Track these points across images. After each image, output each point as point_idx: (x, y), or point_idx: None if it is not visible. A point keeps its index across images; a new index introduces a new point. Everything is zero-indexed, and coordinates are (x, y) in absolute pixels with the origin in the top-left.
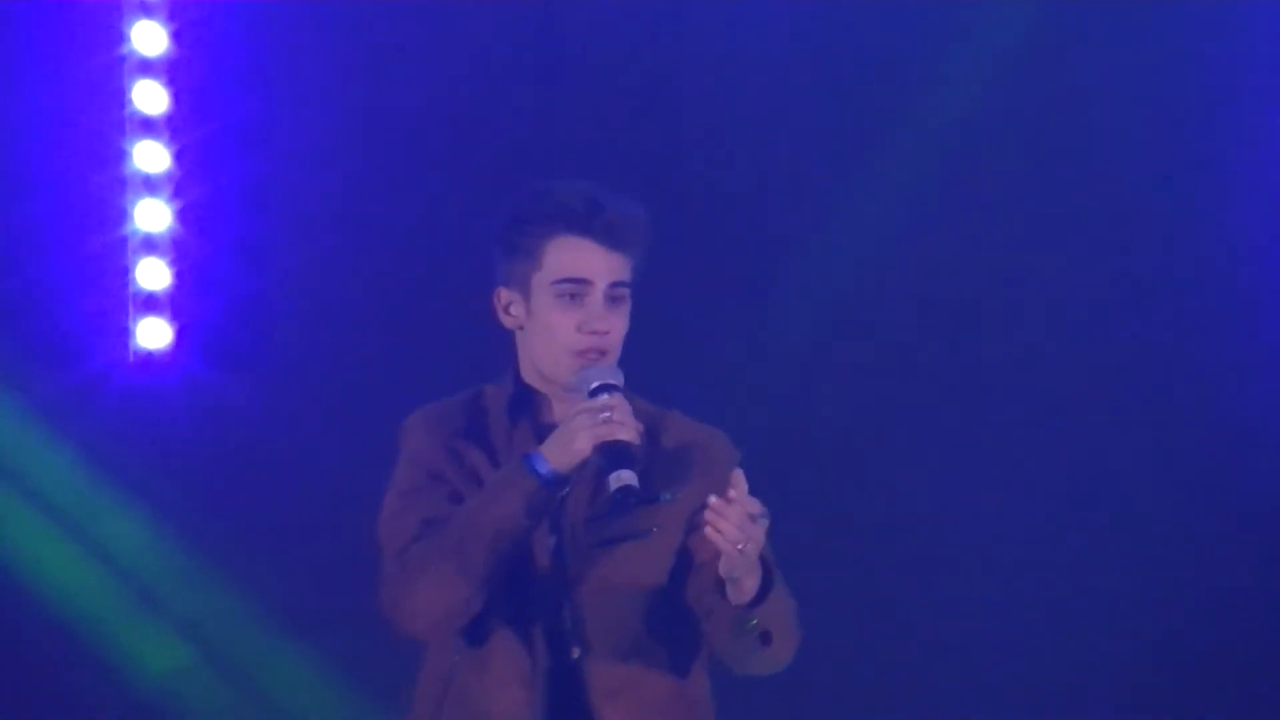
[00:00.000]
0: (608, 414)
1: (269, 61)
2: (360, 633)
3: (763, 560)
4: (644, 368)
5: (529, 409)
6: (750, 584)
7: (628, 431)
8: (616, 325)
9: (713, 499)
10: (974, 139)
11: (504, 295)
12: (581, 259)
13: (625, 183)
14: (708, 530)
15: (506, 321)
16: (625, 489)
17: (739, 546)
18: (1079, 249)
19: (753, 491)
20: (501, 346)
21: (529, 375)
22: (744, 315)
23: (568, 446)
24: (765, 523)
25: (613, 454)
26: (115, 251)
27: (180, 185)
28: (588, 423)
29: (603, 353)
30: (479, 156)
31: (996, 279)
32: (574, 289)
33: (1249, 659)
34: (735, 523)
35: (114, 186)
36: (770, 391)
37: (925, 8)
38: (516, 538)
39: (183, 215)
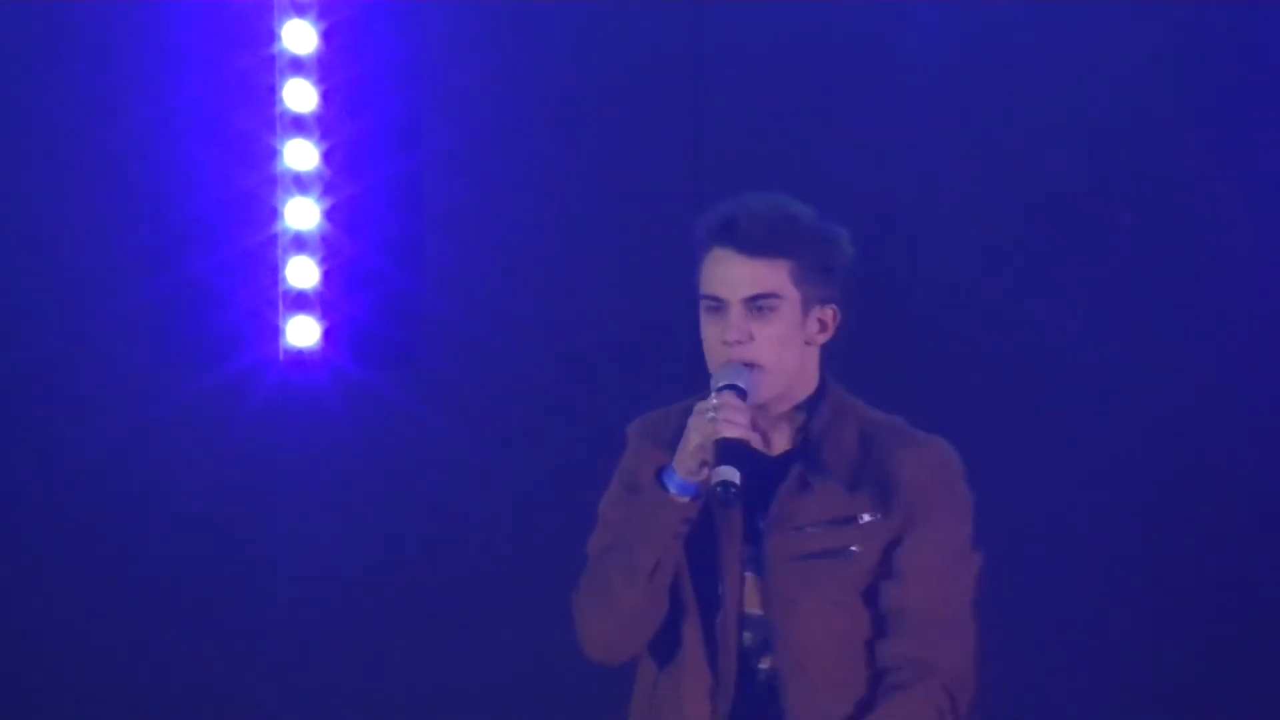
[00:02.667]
0: (714, 412)
1: (418, 59)
2: (512, 627)
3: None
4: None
5: None
6: None
7: (735, 428)
8: (761, 334)
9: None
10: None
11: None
12: (717, 273)
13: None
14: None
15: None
16: (724, 484)
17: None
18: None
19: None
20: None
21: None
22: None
23: (685, 450)
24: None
25: (721, 451)
26: (266, 250)
27: (330, 184)
28: (698, 423)
29: (748, 364)
30: (628, 154)
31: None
32: (713, 303)
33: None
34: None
35: (265, 185)
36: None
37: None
38: (666, 556)
39: (332, 214)
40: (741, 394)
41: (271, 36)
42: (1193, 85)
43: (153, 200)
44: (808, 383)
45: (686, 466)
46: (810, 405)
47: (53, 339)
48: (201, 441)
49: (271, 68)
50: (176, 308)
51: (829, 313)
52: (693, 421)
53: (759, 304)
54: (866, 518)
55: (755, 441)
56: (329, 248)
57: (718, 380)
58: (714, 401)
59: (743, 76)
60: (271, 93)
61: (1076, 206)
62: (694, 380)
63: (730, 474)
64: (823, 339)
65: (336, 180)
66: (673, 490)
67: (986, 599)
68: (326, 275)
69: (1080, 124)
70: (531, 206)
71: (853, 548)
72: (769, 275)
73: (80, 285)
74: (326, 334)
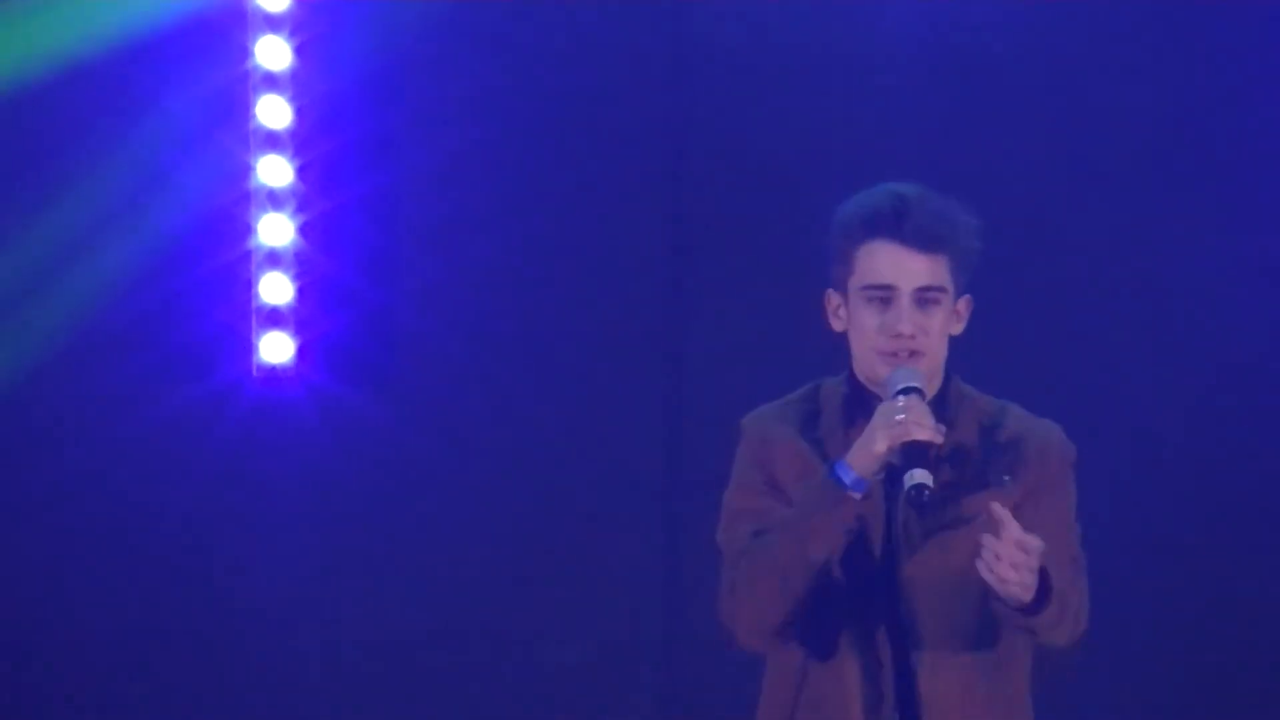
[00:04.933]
0: (902, 415)
1: (392, 75)
2: (489, 638)
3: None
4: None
5: (863, 408)
6: (1024, 595)
7: (924, 431)
8: (927, 327)
9: (985, 536)
10: None
11: (832, 298)
12: (887, 264)
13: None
14: (978, 563)
15: (834, 324)
16: (918, 487)
17: (1006, 581)
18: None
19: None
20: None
21: (863, 379)
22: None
23: (868, 450)
24: (1037, 556)
25: (909, 454)
26: (240, 266)
27: (304, 200)
28: (884, 425)
29: (912, 354)
30: (604, 167)
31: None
32: (880, 294)
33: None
34: (1008, 559)
35: (239, 201)
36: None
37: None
38: (832, 547)
39: (306, 230)
40: (921, 395)
41: (245, 53)
42: (1189, 85)
43: (127, 216)
44: (939, 377)
45: (867, 467)
46: (940, 399)
47: (27, 356)
48: (176, 457)
49: (245, 84)
50: (151, 324)
51: (965, 302)
52: (878, 424)
53: (927, 295)
54: (1006, 478)
55: (939, 443)
56: (303, 264)
57: (894, 383)
58: (900, 404)
59: (724, 88)
60: (245, 109)
61: (1071, 208)
62: (671, 388)
63: (924, 477)
64: (958, 329)
65: (310, 197)
66: (849, 486)
67: None
68: (301, 291)
69: (1075, 126)
70: (506, 221)
71: (979, 516)
72: (935, 268)
73: (54, 301)
74: (301, 350)
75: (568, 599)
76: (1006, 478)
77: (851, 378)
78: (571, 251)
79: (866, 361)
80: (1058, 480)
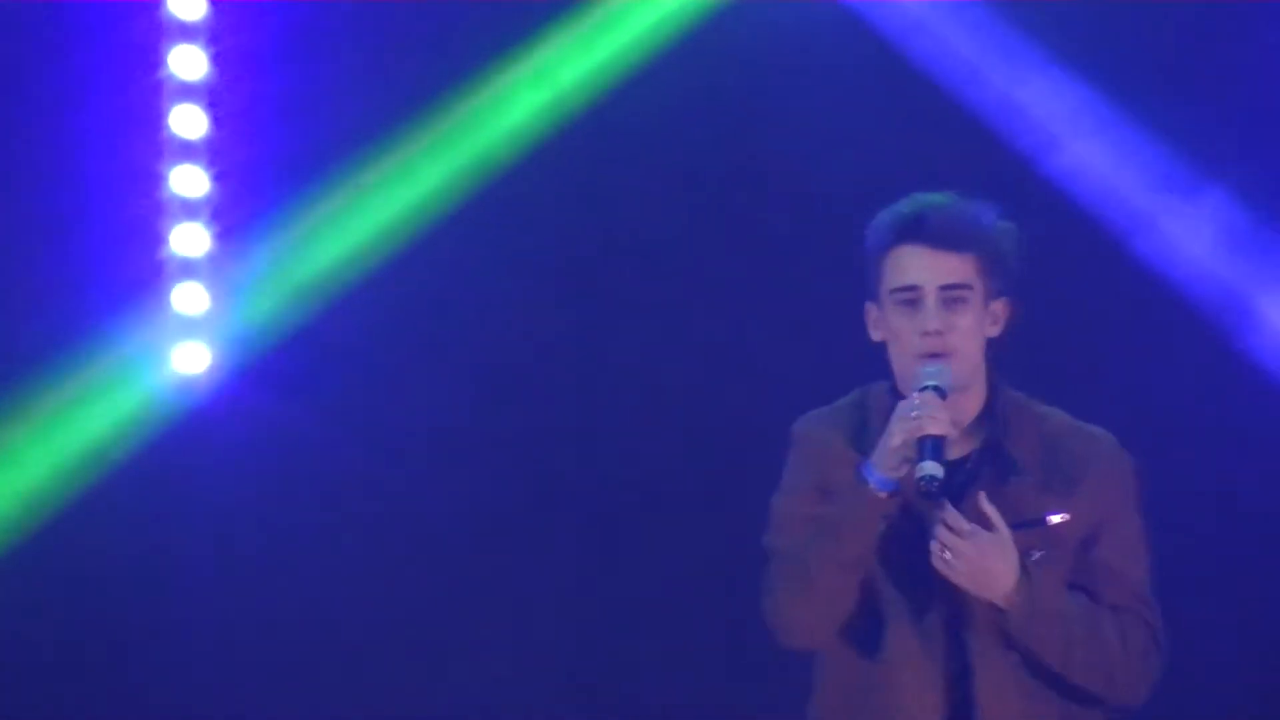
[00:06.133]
0: (917, 411)
1: (308, 85)
2: (408, 647)
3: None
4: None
5: None
6: (988, 594)
7: (937, 425)
8: (955, 324)
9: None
10: None
11: (872, 311)
12: (912, 265)
13: None
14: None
15: (874, 335)
16: (928, 478)
17: (944, 561)
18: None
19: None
20: None
21: (902, 387)
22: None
23: (887, 447)
24: (971, 541)
25: (924, 447)
26: (154, 275)
27: (219, 209)
28: (900, 420)
29: (944, 354)
30: (520, 177)
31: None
32: (908, 295)
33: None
34: (940, 539)
35: (152, 211)
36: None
37: None
38: (864, 547)
39: (221, 239)
40: (941, 394)
41: (159, 62)
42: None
43: (40, 227)
44: (982, 382)
45: (888, 463)
46: (987, 406)
47: None
48: (90, 466)
49: (160, 94)
50: (65, 334)
51: (1001, 305)
52: (895, 419)
53: (953, 293)
54: (1055, 519)
55: (955, 437)
56: (218, 273)
57: (917, 381)
58: (916, 400)
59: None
60: (159, 119)
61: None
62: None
63: (934, 468)
64: (995, 332)
65: (225, 206)
66: (874, 485)
67: None
68: (216, 300)
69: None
70: (422, 229)
71: (1036, 554)
72: (961, 266)
73: None
74: (216, 360)
75: (495, 606)
76: (1055, 519)
77: (895, 390)
78: (486, 258)
79: (901, 367)
80: (1126, 503)
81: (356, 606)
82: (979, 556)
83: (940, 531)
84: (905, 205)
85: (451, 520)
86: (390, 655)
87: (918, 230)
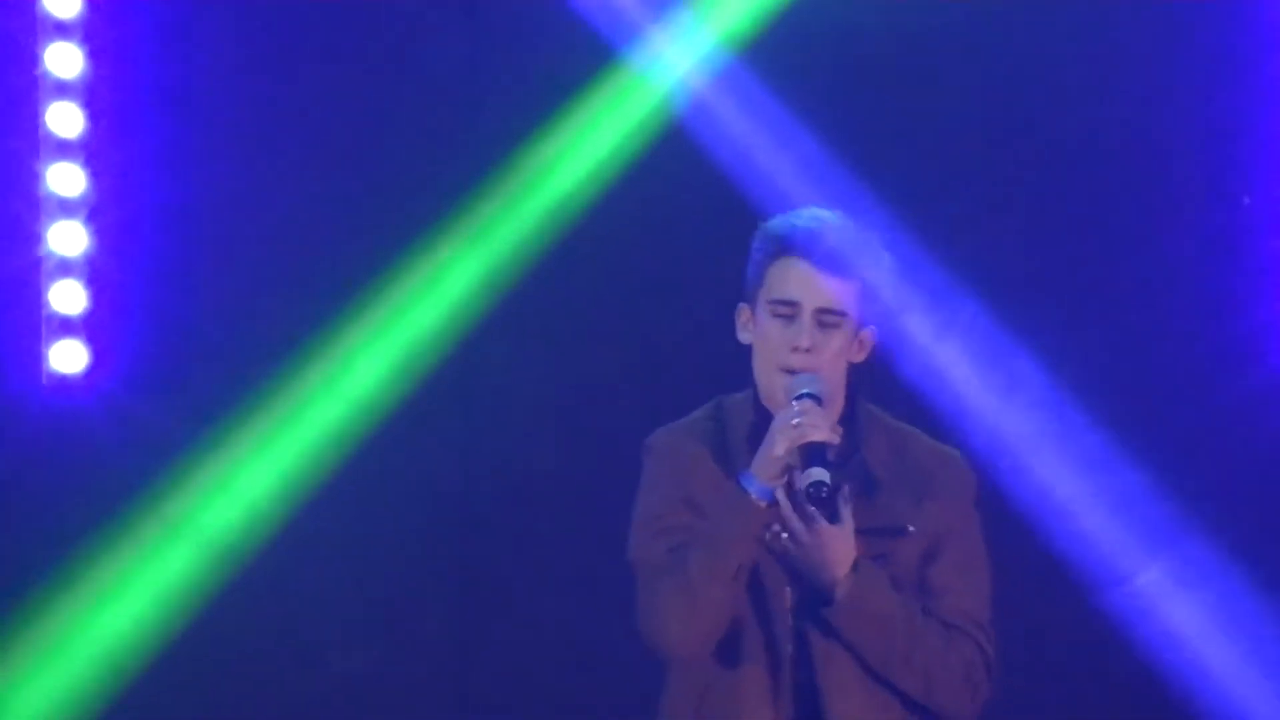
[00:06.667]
0: (799, 419)
1: (185, 83)
2: (295, 662)
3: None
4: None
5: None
6: (818, 580)
7: (820, 433)
8: (827, 345)
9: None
10: None
11: (744, 312)
12: (795, 281)
13: None
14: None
15: (742, 336)
16: (816, 484)
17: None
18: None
19: None
20: None
21: (764, 393)
22: None
23: (768, 455)
24: (809, 527)
25: (807, 455)
26: (30, 275)
27: (96, 208)
28: (781, 429)
29: (809, 371)
30: (411, 177)
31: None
32: (785, 310)
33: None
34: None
35: (28, 209)
36: None
37: None
38: (746, 557)
39: (99, 238)
40: (818, 401)
41: (35, 60)
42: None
43: None
44: (841, 398)
45: (769, 472)
46: (845, 420)
47: None
48: None
49: (35, 91)
50: None
51: (869, 333)
52: (776, 430)
53: (828, 318)
54: (911, 529)
55: (837, 443)
56: (95, 272)
57: (794, 389)
58: (796, 408)
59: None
60: (35, 116)
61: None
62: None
63: (821, 474)
64: (859, 358)
65: (103, 205)
66: (755, 495)
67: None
68: (93, 300)
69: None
70: (304, 231)
71: (876, 558)
72: (841, 293)
73: None
74: (93, 359)
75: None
76: (911, 528)
77: (757, 404)
78: (373, 264)
79: (765, 374)
80: (968, 516)
81: (235, 605)
82: (815, 544)
83: (784, 510)
84: (799, 218)
85: (327, 528)
86: (282, 660)
87: (808, 248)
